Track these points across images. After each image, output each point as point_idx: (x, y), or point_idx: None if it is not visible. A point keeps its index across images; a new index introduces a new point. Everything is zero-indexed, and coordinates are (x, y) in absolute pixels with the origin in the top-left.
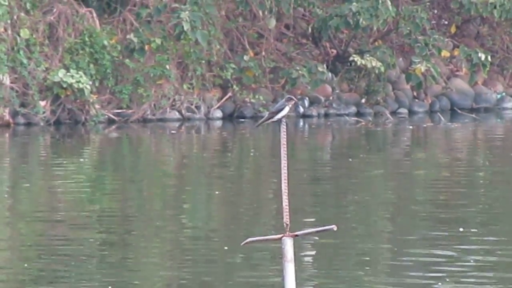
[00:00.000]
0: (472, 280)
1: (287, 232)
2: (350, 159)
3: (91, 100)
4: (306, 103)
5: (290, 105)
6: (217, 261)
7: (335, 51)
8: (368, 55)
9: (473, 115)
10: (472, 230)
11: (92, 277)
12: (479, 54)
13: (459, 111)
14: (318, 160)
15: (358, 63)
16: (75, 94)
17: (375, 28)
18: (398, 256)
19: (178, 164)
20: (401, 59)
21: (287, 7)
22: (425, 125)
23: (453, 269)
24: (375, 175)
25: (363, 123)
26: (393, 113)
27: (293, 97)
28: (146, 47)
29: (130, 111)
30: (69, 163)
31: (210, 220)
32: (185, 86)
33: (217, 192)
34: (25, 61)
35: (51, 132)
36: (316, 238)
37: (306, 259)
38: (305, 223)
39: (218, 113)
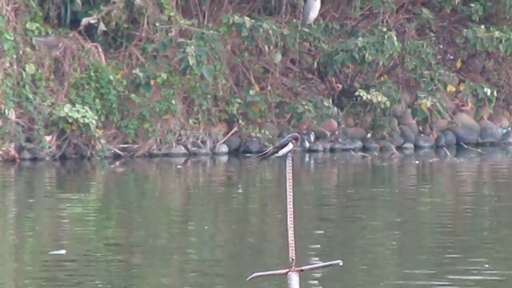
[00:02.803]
0: None
1: (293, 267)
2: (353, 190)
3: (96, 135)
4: (312, 138)
5: (294, 143)
6: None
7: (340, 86)
8: (373, 90)
9: (479, 150)
10: (479, 261)
11: None
12: (485, 89)
13: (465, 145)
14: (323, 195)
15: (364, 98)
16: (80, 129)
17: (380, 63)
18: None
19: (183, 198)
20: (406, 93)
21: (293, 42)
22: (431, 160)
23: None
24: (381, 210)
25: (369, 158)
26: (399, 147)
27: (299, 136)
28: (152, 82)
29: (136, 146)
30: (75, 198)
31: (215, 254)
32: (191, 121)
33: (217, 223)
34: (30, 96)
35: (56, 167)
36: (322, 274)
37: None
38: (311, 257)
39: (224, 148)
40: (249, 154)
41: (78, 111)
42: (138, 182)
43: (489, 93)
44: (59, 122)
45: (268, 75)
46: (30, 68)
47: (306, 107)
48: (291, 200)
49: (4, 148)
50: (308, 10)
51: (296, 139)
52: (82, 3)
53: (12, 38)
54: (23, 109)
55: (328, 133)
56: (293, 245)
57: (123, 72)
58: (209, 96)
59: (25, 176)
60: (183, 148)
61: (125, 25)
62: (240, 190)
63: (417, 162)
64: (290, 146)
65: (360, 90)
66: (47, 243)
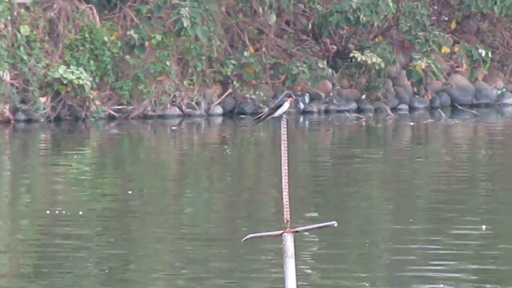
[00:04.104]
0: (473, 277)
1: (288, 228)
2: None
3: (91, 97)
4: (307, 99)
5: (289, 101)
6: (217, 256)
7: (335, 47)
8: (368, 51)
9: (474, 111)
10: (472, 226)
11: (91, 274)
12: (480, 50)
13: (459, 107)
14: (318, 156)
15: (359, 59)
16: (75, 91)
17: (375, 24)
18: (398, 251)
19: (178, 160)
20: (401, 55)
21: (287, 3)
22: (425, 121)
23: (454, 267)
24: (376, 171)
25: (363, 119)
26: (394, 109)
27: (292, 93)
28: (147, 43)
29: (131, 107)
30: (70, 159)
31: (211, 215)
32: (185, 82)
33: (211, 184)
34: (25, 57)
35: (51, 128)
36: (317, 234)
37: (307, 255)
38: (306, 219)
39: (219, 109)
40: (243, 116)
41: (72, 72)
42: (132, 143)
43: (483, 54)
44: (54, 83)
45: (263, 37)
46: (25, 29)
47: (300, 68)
48: (286, 161)
49: None
50: None
51: (289, 96)
52: None
53: (6, 0)
54: (17, 71)
55: (323, 95)
56: (288, 206)
57: (118, 33)
58: (203, 57)
59: (20, 138)
60: (177, 109)
61: None
62: (228, 152)
63: (411, 123)
64: (286, 105)
65: (354, 51)
66: (42, 202)
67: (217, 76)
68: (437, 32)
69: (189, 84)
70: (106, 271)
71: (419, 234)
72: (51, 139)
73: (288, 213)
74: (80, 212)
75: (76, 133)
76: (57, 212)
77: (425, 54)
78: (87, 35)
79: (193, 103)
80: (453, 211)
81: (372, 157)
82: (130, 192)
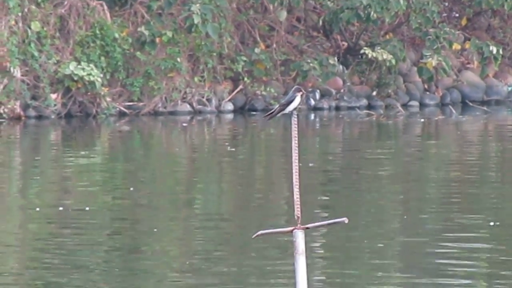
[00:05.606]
0: (484, 276)
1: (298, 225)
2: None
3: (102, 93)
4: (317, 95)
5: (300, 96)
6: (228, 253)
7: (346, 44)
8: (379, 48)
9: (484, 108)
10: (481, 220)
11: (102, 266)
12: (490, 47)
13: (470, 103)
14: (329, 153)
15: (369, 55)
16: (86, 87)
17: (386, 21)
18: (409, 248)
19: (189, 156)
20: (411, 51)
21: (297, 0)
22: (436, 118)
23: (465, 262)
24: (387, 168)
25: (374, 116)
26: (404, 105)
27: (301, 87)
28: (157, 39)
29: (141, 104)
30: (80, 156)
31: (221, 213)
32: (196, 79)
33: (222, 181)
34: (36, 54)
35: (62, 125)
36: (328, 229)
37: (318, 251)
38: (316, 215)
39: (229, 106)
40: (254, 112)
41: (83, 69)
42: (143, 140)
43: (494, 51)
44: (65, 80)
45: (274, 33)
46: (36, 25)
47: (311, 65)
48: (297, 158)
49: (9, 106)
50: None
51: (300, 90)
52: None
53: None
54: (28, 67)
55: (334, 91)
56: (299, 202)
57: (128, 30)
58: (214, 54)
59: (31, 134)
60: (188, 106)
61: None
62: (232, 149)
63: (422, 120)
64: (297, 100)
65: (365, 48)
66: (52, 198)
67: (228, 73)
68: (448, 29)
69: (200, 81)
70: (116, 264)
71: (430, 230)
72: (62, 135)
73: (299, 209)
74: (87, 208)
75: (87, 130)
76: (67, 207)
77: (435, 51)
78: (97, 32)
79: (204, 99)
80: (463, 204)
81: (383, 152)
82: (131, 188)
